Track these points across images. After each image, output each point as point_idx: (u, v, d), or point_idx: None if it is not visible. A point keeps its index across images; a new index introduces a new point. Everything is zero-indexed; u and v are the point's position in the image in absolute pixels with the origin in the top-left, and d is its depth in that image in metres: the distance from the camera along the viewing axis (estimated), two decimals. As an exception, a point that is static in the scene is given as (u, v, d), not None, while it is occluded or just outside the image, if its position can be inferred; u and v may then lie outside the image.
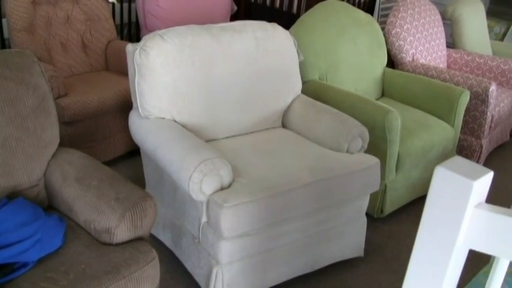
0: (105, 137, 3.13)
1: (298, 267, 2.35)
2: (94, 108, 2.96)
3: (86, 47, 3.42)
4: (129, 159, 3.28)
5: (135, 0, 3.97)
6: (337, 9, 3.32)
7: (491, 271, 0.72)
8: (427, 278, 0.72)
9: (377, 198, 2.86)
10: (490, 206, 0.70)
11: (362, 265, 2.59)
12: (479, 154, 3.57)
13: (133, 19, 4.43)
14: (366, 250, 2.66)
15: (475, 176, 0.68)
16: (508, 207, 0.73)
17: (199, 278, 2.25)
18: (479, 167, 0.71)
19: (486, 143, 3.59)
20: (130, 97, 3.11)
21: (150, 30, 3.91)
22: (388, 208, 2.93)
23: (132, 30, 4.46)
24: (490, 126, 3.55)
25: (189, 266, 2.32)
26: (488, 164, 3.76)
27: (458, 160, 0.71)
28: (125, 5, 4.31)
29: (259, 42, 2.60)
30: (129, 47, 2.41)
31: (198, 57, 2.39)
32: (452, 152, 3.27)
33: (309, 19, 3.21)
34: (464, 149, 3.59)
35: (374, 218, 2.93)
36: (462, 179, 0.67)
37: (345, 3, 3.42)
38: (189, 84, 2.36)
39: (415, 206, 3.14)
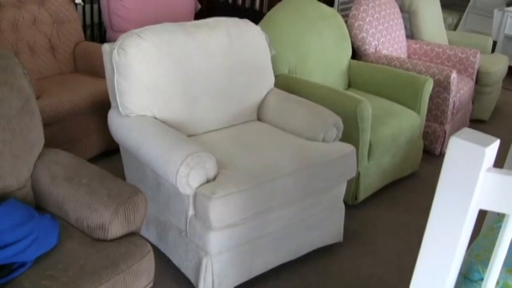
0: (79, 138, 3.12)
1: (282, 255, 2.42)
2: (67, 110, 2.95)
3: (53, 50, 3.40)
4: (104, 159, 3.28)
5: (100, 1, 3.96)
6: (303, 4, 3.40)
7: (502, 228, 0.81)
8: (445, 237, 0.80)
9: (351, 185, 2.96)
10: (498, 169, 0.78)
11: (341, 250, 2.68)
12: (443, 139, 3.72)
13: (95, 20, 4.41)
14: (344, 236, 2.75)
15: (486, 143, 0.76)
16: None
17: (187, 271, 2.29)
18: (488, 136, 0.79)
19: (449, 129, 3.75)
20: (102, 97, 3.12)
21: (116, 31, 3.91)
22: (362, 195, 3.04)
23: (95, 31, 4.44)
24: (452, 113, 3.71)
25: (176, 259, 2.36)
26: (451, 148, 3.93)
27: (469, 131, 0.80)
28: (88, 6, 4.29)
29: (232, 39, 2.65)
30: (106, 46, 2.42)
31: (175, 54, 2.42)
32: (419, 138, 3.41)
33: (276, 14, 3.28)
34: (428, 135, 3.74)
35: (349, 205, 3.02)
36: (475, 147, 0.75)
37: (309, -2, 3.50)
38: (168, 81, 2.40)
39: (387, 192, 3.26)
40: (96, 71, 3.38)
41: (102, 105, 3.10)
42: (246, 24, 2.74)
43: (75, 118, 3.04)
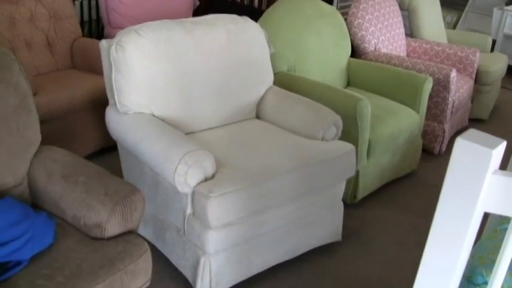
0: (76, 135, 3.10)
1: (280, 254, 2.40)
2: (64, 107, 2.93)
3: (51, 46, 3.37)
4: (101, 157, 3.26)
5: (98, -3, 3.94)
6: (302, 1, 3.38)
7: (508, 231, 0.79)
8: (449, 241, 0.78)
9: (350, 184, 2.94)
10: (505, 172, 0.77)
11: (340, 249, 2.67)
12: (442, 139, 3.71)
13: (93, 16, 4.39)
14: (342, 235, 2.73)
15: (492, 145, 0.74)
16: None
17: (185, 270, 2.27)
18: (494, 138, 0.77)
19: (448, 128, 3.73)
20: (100, 94, 3.10)
21: (114, 28, 3.89)
22: (361, 194, 3.02)
23: (92, 27, 4.41)
24: (452, 112, 3.70)
25: (173, 258, 2.34)
26: (449, 146, 3.91)
27: (474, 132, 0.78)
28: (86, 2, 4.26)
29: (231, 35, 2.63)
30: (104, 43, 2.40)
31: (173, 52, 2.40)
32: (417, 137, 3.39)
33: (275, 12, 3.26)
34: (427, 134, 3.72)
35: (348, 204, 3.00)
36: (482, 149, 0.74)
37: (308, -5, 3.48)
38: (166, 79, 2.37)
39: (385, 191, 3.25)
40: (94, 67, 3.35)
41: (100, 102, 3.08)
42: (245, 22, 2.72)
43: (72, 115, 3.01)
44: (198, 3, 4.45)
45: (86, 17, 4.33)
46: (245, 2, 4.71)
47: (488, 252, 1.11)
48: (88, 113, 3.10)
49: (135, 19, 3.81)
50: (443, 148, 3.78)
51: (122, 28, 3.84)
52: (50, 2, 3.34)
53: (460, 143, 0.76)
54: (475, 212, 0.76)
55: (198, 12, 4.51)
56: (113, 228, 1.79)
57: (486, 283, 1.02)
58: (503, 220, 1.28)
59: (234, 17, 2.72)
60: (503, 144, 0.76)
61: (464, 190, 0.76)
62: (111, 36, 3.85)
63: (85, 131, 3.13)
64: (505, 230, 1.20)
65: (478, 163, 0.74)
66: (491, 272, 0.84)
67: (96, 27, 4.42)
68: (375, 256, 2.65)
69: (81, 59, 3.44)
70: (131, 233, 1.86)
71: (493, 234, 1.20)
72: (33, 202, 1.99)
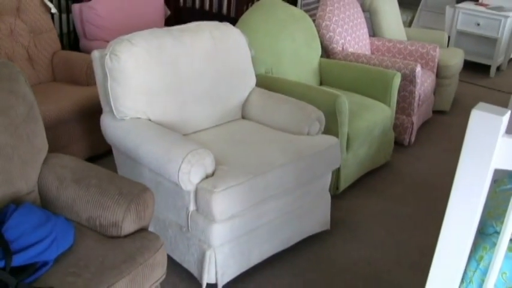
0: (64, 145, 3.16)
1: (277, 244, 2.54)
2: (53, 118, 2.99)
3: (32, 60, 3.43)
4: (90, 166, 3.33)
5: (71, 10, 4.00)
6: (274, 7, 3.54)
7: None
8: (469, 194, 0.94)
9: (332, 176, 3.11)
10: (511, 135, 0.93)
11: (329, 237, 2.83)
12: (411, 130, 3.93)
13: (64, 30, 4.44)
14: (330, 224, 2.89)
15: (501, 114, 0.91)
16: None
17: (189, 265, 2.38)
18: (501, 108, 0.94)
19: (416, 120, 3.96)
20: (85, 104, 3.18)
21: (90, 39, 3.97)
22: (342, 185, 3.20)
23: (64, 40, 4.46)
24: (418, 104, 3.93)
25: (176, 255, 2.45)
26: (418, 137, 4.15)
27: (485, 105, 0.94)
28: (56, 16, 4.31)
29: (216, 41, 2.77)
30: (96, 53, 2.50)
31: (165, 58, 2.52)
32: (390, 130, 3.60)
33: (250, 18, 3.41)
34: (397, 127, 3.94)
35: (331, 195, 3.17)
36: (494, 116, 0.90)
37: (278, 0, 3.65)
38: (160, 84, 2.49)
39: (364, 181, 3.44)
40: (75, 79, 3.43)
41: (86, 112, 3.16)
42: (227, 27, 2.86)
43: (60, 126, 3.08)
44: (169, 12, 4.56)
45: (57, 30, 4.38)
46: (214, 10, 4.85)
47: (494, 208, 1.28)
48: (75, 123, 3.17)
49: (110, 30, 3.89)
50: (413, 139, 4.00)
51: (99, 39, 3.93)
52: (29, 17, 3.40)
53: (475, 113, 0.92)
54: (490, 169, 0.93)
55: (169, 21, 4.62)
56: (128, 226, 1.89)
57: (497, 232, 1.19)
58: (499, 184, 1.47)
59: (216, 23, 2.86)
60: (509, 113, 0.93)
61: (480, 151, 0.92)
62: (87, 48, 3.93)
63: (73, 141, 3.20)
64: (504, 190, 1.38)
65: (491, 128, 0.90)
66: (501, 223, 1.00)
67: (68, 40, 4.47)
68: (362, 241, 2.82)
69: (61, 71, 3.51)
70: (144, 230, 1.97)
71: (494, 195, 1.38)
72: (44, 208, 2.07)
